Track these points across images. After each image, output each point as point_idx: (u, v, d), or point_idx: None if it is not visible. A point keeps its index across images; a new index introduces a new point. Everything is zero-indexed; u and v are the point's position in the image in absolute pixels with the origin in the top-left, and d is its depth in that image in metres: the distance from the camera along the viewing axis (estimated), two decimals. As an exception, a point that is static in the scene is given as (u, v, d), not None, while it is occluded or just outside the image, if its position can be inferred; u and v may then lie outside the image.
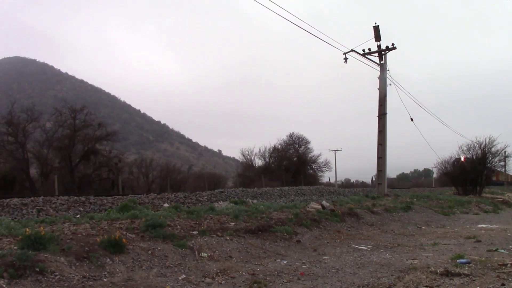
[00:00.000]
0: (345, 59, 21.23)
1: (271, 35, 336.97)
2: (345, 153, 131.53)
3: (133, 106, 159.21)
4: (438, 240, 9.78)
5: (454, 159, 48.53)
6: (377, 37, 20.90)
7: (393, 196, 20.80)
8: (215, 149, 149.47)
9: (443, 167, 39.15)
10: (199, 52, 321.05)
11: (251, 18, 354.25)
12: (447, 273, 5.50)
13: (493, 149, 29.70)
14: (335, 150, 56.45)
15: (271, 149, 47.52)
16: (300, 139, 50.39)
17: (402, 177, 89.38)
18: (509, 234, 10.64)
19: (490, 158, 30.19)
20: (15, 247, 5.35)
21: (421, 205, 17.36)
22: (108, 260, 5.70)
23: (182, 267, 6.15)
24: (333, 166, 54.15)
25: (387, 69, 21.48)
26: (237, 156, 66.07)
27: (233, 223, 8.99)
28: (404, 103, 50.31)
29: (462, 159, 46.66)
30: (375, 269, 6.38)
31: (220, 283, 5.51)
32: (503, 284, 5.00)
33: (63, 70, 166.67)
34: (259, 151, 47.96)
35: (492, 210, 20.04)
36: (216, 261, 6.66)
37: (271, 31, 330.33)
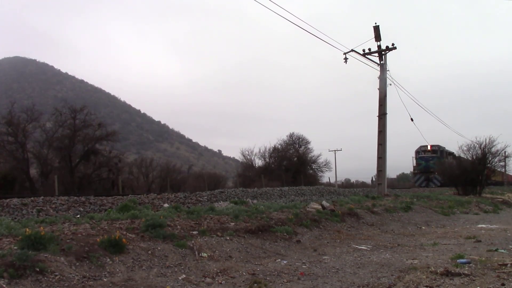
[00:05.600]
0: (345, 59, 21.25)
1: (271, 37, 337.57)
2: (345, 153, 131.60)
3: (133, 106, 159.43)
4: (438, 240, 9.78)
5: (419, 146, 46.31)
6: (377, 37, 20.90)
7: (393, 196, 20.80)
8: (215, 149, 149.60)
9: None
10: (200, 53, 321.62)
11: (252, 20, 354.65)
12: (447, 273, 5.50)
13: (493, 149, 29.65)
14: (335, 150, 56.45)
15: (271, 149, 47.47)
16: (300, 139, 50.33)
17: (402, 177, 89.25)
18: (509, 234, 10.63)
19: (490, 158, 30.14)
20: (15, 247, 5.35)
21: (421, 205, 17.35)
22: (108, 260, 5.70)
23: (182, 267, 6.15)
24: (333, 166, 54.11)
25: (387, 69, 21.49)
26: (237, 156, 66.00)
27: (233, 223, 8.99)
28: (404, 103, 49.89)
29: (429, 147, 45.19)
30: (375, 269, 6.38)
31: (220, 283, 5.51)
32: (503, 284, 5.00)
33: (63, 70, 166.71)
34: (259, 151, 47.85)
35: (492, 210, 20.02)
36: (216, 261, 6.66)
37: (272, 33, 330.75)
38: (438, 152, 45.31)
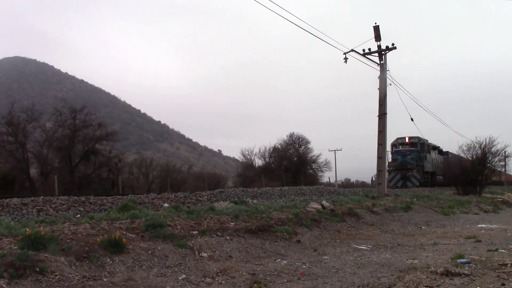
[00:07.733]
0: (345, 59, 21.20)
1: (272, 37, 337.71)
2: (345, 153, 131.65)
3: (133, 106, 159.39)
4: (438, 240, 9.78)
5: (396, 138, 40.45)
6: (377, 37, 20.88)
7: (393, 196, 20.79)
8: (215, 149, 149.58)
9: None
10: (201, 54, 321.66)
11: (252, 21, 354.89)
12: (447, 273, 5.50)
13: (493, 149, 29.64)
14: (335, 150, 56.43)
15: (271, 149, 47.63)
16: (300, 139, 50.49)
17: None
18: (509, 234, 10.63)
19: (490, 158, 30.13)
20: (15, 247, 5.35)
21: (421, 205, 17.36)
22: (108, 260, 5.70)
23: (182, 267, 6.15)
24: (333, 166, 54.16)
25: (387, 69, 21.43)
26: (237, 156, 66.03)
27: (233, 223, 8.99)
28: (404, 103, 49.16)
29: (407, 140, 41.02)
30: (375, 269, 6.38)
31: (220, 283, 5.51)
32: (503, 284, 5.00)
33: (63, 70, 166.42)
34: (259, 151, 48.03)
35: (492, 210, 20.02)
36: (216, 261, 6.66)
37: (272, 33, 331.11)
38: (418, 145, 39.01)
